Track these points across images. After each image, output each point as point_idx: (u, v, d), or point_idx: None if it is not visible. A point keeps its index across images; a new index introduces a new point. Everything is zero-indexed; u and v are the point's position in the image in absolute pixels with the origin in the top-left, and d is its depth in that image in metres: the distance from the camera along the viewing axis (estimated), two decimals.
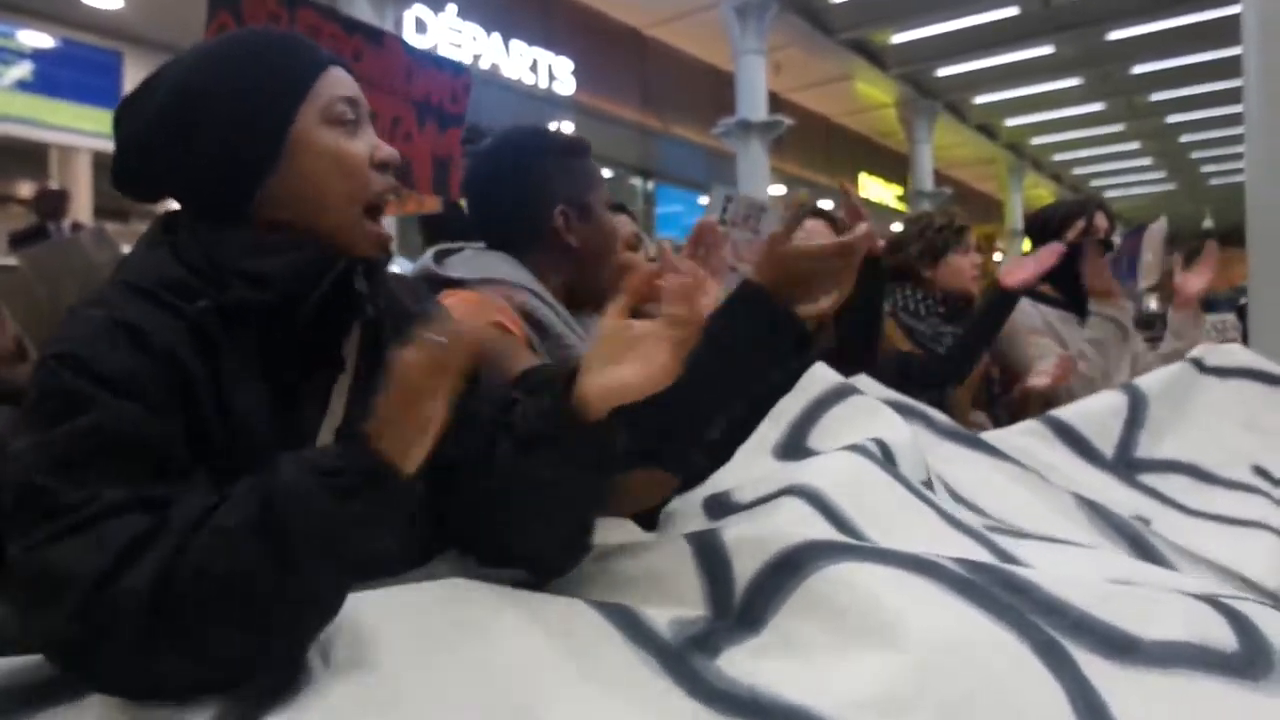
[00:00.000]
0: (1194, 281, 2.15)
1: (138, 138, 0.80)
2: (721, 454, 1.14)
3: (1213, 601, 0.76)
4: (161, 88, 0.80)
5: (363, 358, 0.84)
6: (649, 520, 1.02)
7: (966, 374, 1.98)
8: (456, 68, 2.51)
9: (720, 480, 1.08)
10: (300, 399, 0.79)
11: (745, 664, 0.70)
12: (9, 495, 0.64)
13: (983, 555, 0.88)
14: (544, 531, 0.81)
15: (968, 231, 2.21)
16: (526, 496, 0.78)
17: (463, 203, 1.61)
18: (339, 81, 0.82)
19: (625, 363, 0.74)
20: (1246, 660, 0.68)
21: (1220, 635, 0.70)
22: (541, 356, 1.11)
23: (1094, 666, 0.65)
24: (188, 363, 0.71)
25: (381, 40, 2.26)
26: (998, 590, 0.72)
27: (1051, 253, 2.00)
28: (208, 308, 0.74)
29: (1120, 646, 0.68)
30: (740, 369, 0.93)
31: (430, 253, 1.25)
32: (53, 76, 7.27)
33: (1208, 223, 14.94)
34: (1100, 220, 2.25)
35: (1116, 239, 2.39)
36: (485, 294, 1.15)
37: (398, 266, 1.33)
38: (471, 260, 1.22)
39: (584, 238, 1.24)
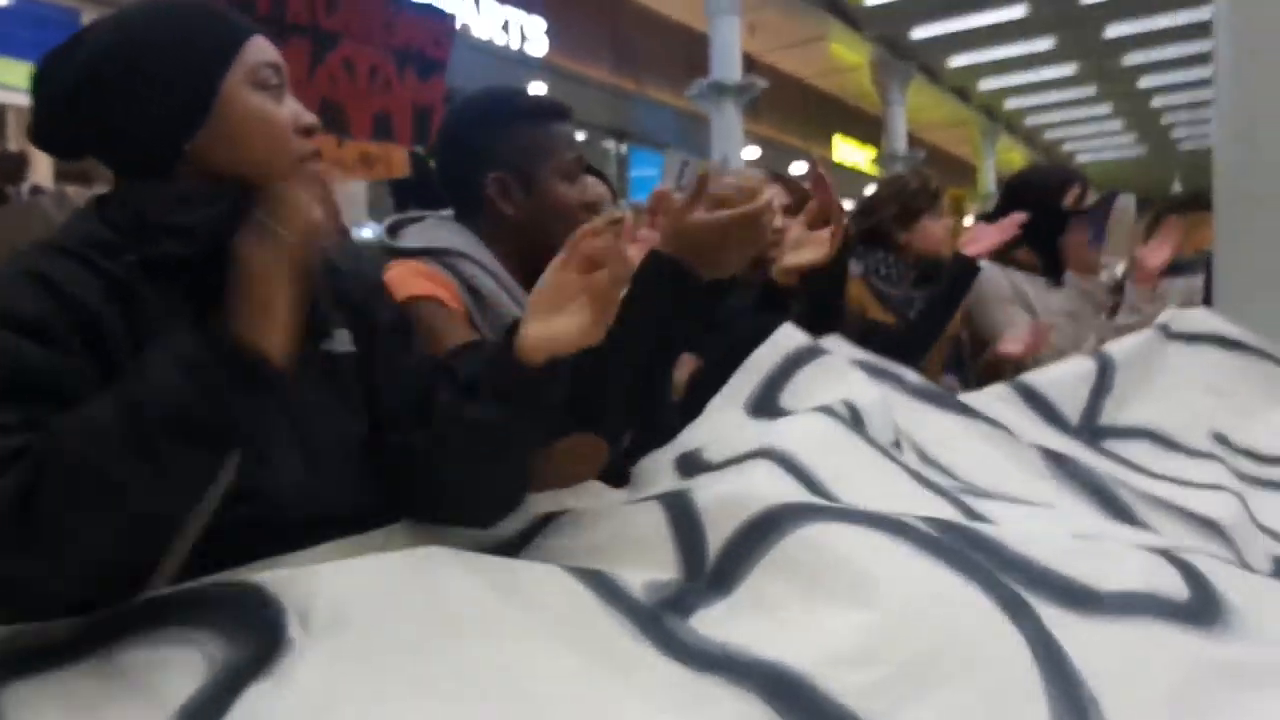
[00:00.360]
0: (1154, 256, 2.14)
1: (65, 93, 0.80)
2: (669, 410, 1.16)
3: (1167, 555, 0.79)
4: (87, 45, 0.81)
5: None
6: (619, 479, 1.03)
7: (929, 348, 1.96)
8: (438, 13, 2.45)
9: (692, 437, 1.08)
10: None
11: (718, 624, 0.72)
12: None
13: (951, 514, 0.91)
14: (481, 479, 0.84)
15: (941, 195, 2.21)
16: (466, 442, 0.82)
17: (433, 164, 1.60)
18: (263, 49, 0.84)
19: (564, 314, 0.81)
20: (1197, 608, 0.71)
21: (1173, 585, 0.73)
22: (479, 329, 1.12)
23: (1055, 619, 0.68)
24: (101, 313, 0.73)
25: None
26: (965, 548, 0.74)
27: (1013, 222, 2.00)
28: (130, 262, 0.76)
29: (1080, 599, 0.71)
30: (651, 334, 1.00)
31: (387, 222, 1.25)
32: (9, 34, 7.03)
33: (1176, 187, 15.10)
34: (1091, 193, 2.26)
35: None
36: (428, 265, 1.16)
37: (369, 231, 1.33)
38: (424, 230, 1.22)
39: (523, 208, 1.20)
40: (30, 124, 0.84)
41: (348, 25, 2.17)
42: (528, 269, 1.21)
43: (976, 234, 2.00)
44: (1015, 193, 2.35)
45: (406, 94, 2.33)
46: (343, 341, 0.89)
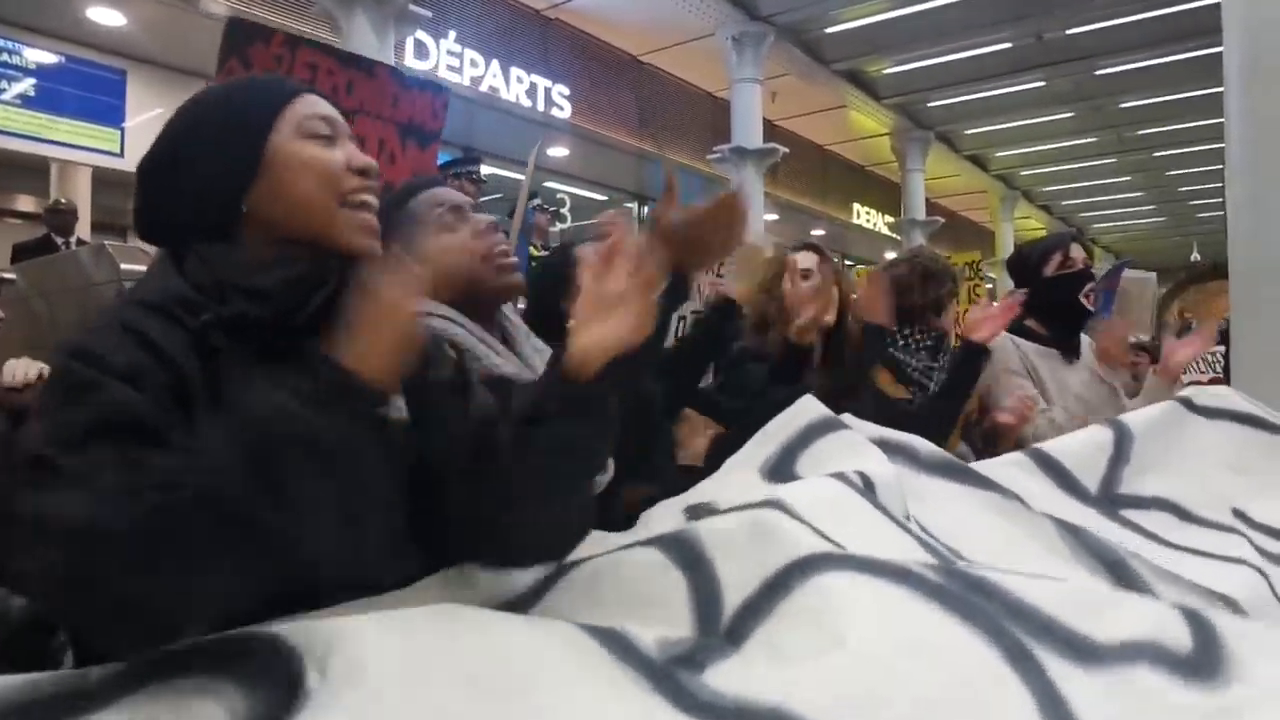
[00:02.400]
0: (1181, 353, 2.15)
1: (142, 179, 0.88)
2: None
3: (1173, 605, 0.78)
4: (164, 128, 0.89)
5: None
6: (617, 506, 1.05)
7: (947, 433, 1.96)
8: (436, 87, 2.63)
9: (704, 490, 1.10)
10: None
11: (730, 676, 0.72)
12: (24, 472, 0.69)
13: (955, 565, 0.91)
14: (548, 510, 0.86)
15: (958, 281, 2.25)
16: (530, 473, 0.83)
17: None
18: (313, 103, 0.90)
19: (611, 318, 0.83)
20: (1198, 660, 0.71)
21: (1177, 636, 0.73)
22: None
23: (1059, 669, 0.68)
24: (185, 367, 0.77)
25: (373, 71, 2.37)
26: (970, 595, 0.75)
27: (1013, 302, 2.02)
28: (210, 320, 0.80)
29: (1084, 648, 0.71)
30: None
31: None
32: (56, 93, 7.31)
33: (1195, 255, 15.08)
34: (1076, 251, 2.27)
35: (1098, 270, 2.42)
36: None
37: None
38: None
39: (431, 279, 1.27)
40: (133, 213, 0.90)
41: (363, 103, 2.31)
42: (485, 317, 1.29)
43: (981, 317, 2.01)
44: (1011, 271, 2.40)
45: (407, 164, 2.44)
46: (397, 408, 0.89)
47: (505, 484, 0.84)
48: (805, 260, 1.96)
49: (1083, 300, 2.23)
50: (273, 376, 0.77)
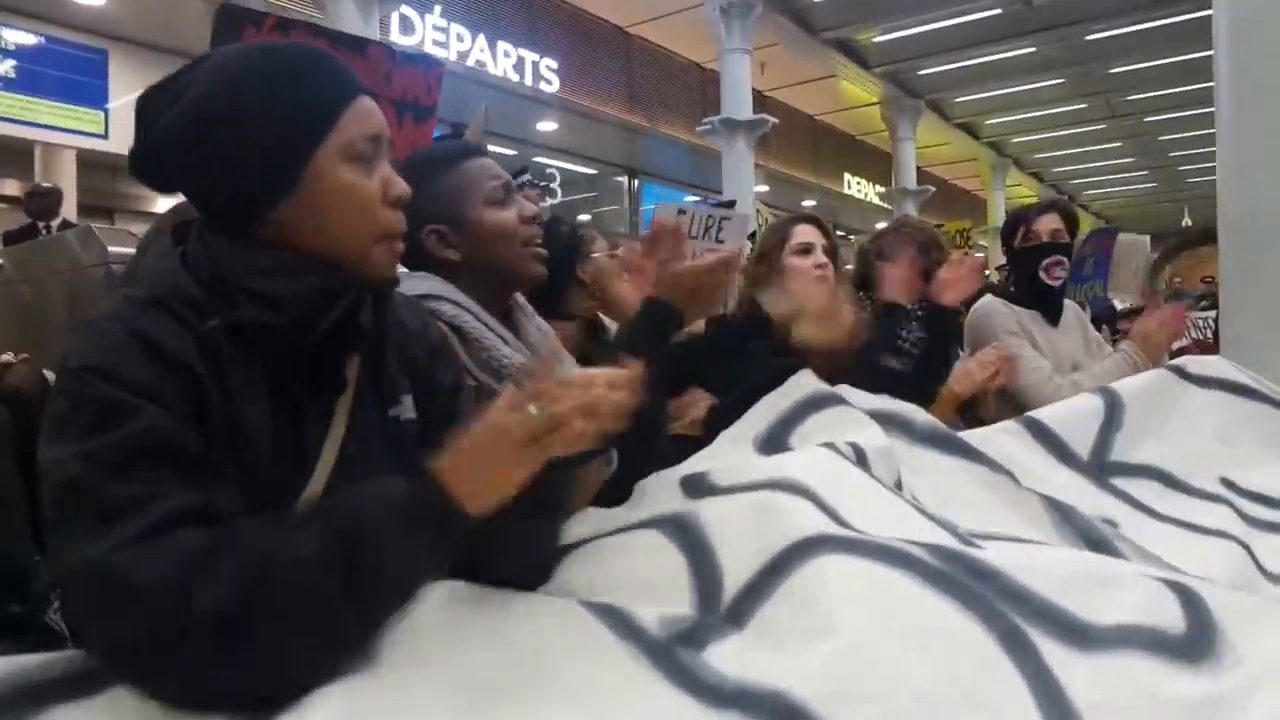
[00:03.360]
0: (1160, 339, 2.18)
1: (161, 133, 0.78)
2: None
3: (1166, 581, 0.79)
4: (194, 86, 0.78)
5: (363, 378, 0.86)
6: (623, 495, 1.05)
7: (931, 392, 1.97)
8: (430, 62, 2.59)
9: (699, 461, 1.10)
10: (303, 416, 0.81)
11: (730, 658, 0.74)
12: (52, 501, 0.68)
13: (952, 542, 0.92)
14: (533, 532, 0.85)
15: (918, 242, 2.25)
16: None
17: None
18: (365, 116, 0.82)
19: (497, 460, 0.71)
20: (1190, 642, 0.73)
21: (1170, 617, 0.74)
22: (468, 369, 1.14)
23: (1053, 652, 0.70)
24: (200, 374, 0.74)
25: (365, 50, 2.34)
26: (967, 579, 0.76)
27: (973, 265, 2.02)
28: (217, 326, 0.76)
29: (1077, 632, 0.73)
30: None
31: None
32: (37, 75, 7.21)
33: (1186, 220, 15.10)
34: (1043, 223, 2.28)
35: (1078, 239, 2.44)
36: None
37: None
38: (403, 281, 1.28)
39: (463, 247, 1.24)
40: (130, 155, 0.82)
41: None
42: (498, 301, 1.28)
43: (947, 279, 2.00)
44: (1004, 237, 2.43)
45: (404, 141, 2.43)
46: (408, 408, 0.89)
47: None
48: (806, 234, 1.95)
49: (1042, 274, 2.24)
50: (270, 382, 0.76)
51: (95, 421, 0.69)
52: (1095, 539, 1.08)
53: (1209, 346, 3.19)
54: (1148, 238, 4.78)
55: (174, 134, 0.77)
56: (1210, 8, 2.46)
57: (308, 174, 0.78)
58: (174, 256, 0.82)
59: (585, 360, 1.27)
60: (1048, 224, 2.28)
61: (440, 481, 0.70)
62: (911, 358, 2.11)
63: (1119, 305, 4.58)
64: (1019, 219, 2.33)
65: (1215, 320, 2.91)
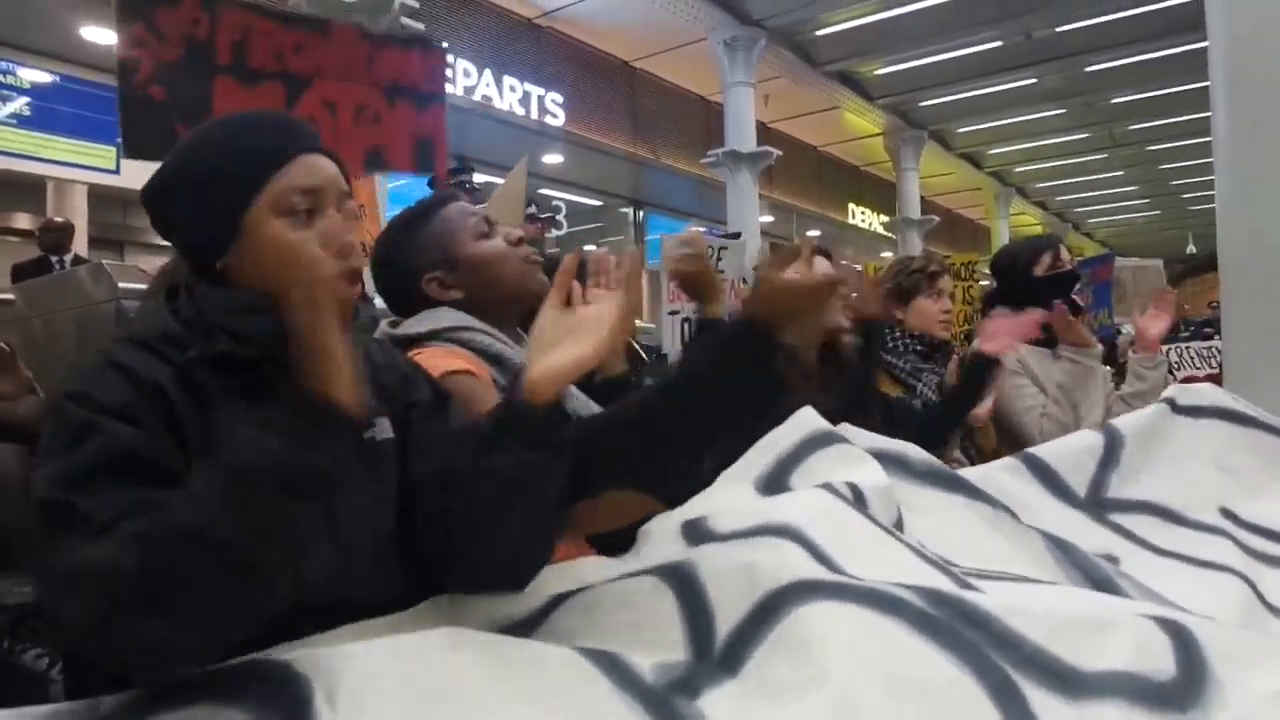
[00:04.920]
0: (1153, 326, 2.21)
1: (148, 193, 0.92)
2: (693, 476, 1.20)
3: (1162, 621, 0.79)
4: (174, 151, 0.92)
5: None
6: (627, 539, 1.06)
7: (948, 439, 1.99)
8: (425, 44, 2.49)
9: (699, 505, 1.10)
10: None
11: (725, 705, 0.74)
12: (39, 515, 0.73)
13: (948, 585, 0.92)
14: (507, 534, 0.87)
15: (941, 276, 2.26)
16: (486, 497, 0.85)
17: None
18: (301, 172, 0.89)
19: (563, 346, 0.86)
20: (1178, 686, 0.72)
21: (1160, 662, 0.74)
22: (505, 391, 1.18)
23: (1041, 701, 0.70)
24: (174, 399, 0.80)
25: (327, 30, 2.21)
26: (959, 624, 0.76)
27: (1031, 320, 2.05)
28: (195, 357, 0.84)
29: (1066, 679, 0.73)
30: (727, 398, 0.95)
31: (384, 323, 1.35)
32: (51, 112, 7.34)
33: (1190, 247, 15.12)
34: (1064, 253, 2.35)
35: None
36: (444, 346, 1.24)
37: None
38: (422, 319, 1.31)
39: (463, 284, 1.31)
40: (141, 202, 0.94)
41: (319, 66, 2.18)
42: (511, 325, 1.32)
43: (994, 330, 2.03)
44: (997, 271, 2.45)
45: (400, 124, 2.36)
46: (384, 429, 0.93)
47: (461, 508, 0.87)
48: (818, 268, 1.96)
49: (1075, 299, 2.30)
50: (254, 412, 0.79)
51: (69, 442, 0.75)
52: (1098, 578, 1.07)
53: (1219, 378, 3.19)
54: (1160, 261, 4.80)
55: (148, 195, 0.92)
56: (1205, 40, 2.49)
57: (244, 229, 0.87)
58: (161, 304, 0.91)
59: (585, 388, 1.27)
60: (1067, 255, 2.36)
61: (298, 389, 0.74)
62: (909, 388, 2.11)
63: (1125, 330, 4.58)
64: (1044, 247, 2.35)
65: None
